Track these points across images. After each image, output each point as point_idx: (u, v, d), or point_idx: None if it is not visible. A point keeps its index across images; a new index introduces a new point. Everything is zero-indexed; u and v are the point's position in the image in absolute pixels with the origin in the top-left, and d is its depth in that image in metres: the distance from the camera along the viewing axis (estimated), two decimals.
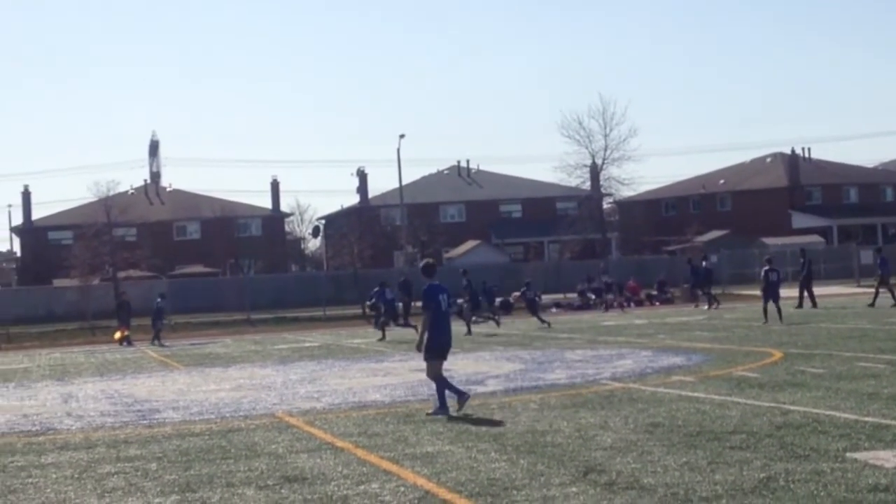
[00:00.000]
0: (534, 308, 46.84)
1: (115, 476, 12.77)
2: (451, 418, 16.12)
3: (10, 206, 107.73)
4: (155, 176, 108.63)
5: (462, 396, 16.74)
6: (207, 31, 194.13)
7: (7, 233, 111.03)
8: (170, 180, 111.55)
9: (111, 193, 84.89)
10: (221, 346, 41.58)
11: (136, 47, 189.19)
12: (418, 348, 17.48)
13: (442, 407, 16.64)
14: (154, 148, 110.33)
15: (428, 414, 16.71)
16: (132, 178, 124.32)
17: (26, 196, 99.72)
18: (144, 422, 18.20)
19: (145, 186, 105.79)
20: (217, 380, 26.48)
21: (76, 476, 12.98)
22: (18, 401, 24.10)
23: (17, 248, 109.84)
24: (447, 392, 16.86)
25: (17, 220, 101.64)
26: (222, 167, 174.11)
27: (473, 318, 42.80)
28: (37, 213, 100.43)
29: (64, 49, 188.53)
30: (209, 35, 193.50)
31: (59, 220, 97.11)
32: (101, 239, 78.29)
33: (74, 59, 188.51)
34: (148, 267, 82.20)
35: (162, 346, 44.51)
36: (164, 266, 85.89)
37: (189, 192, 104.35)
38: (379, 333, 40.55)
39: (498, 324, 43.60)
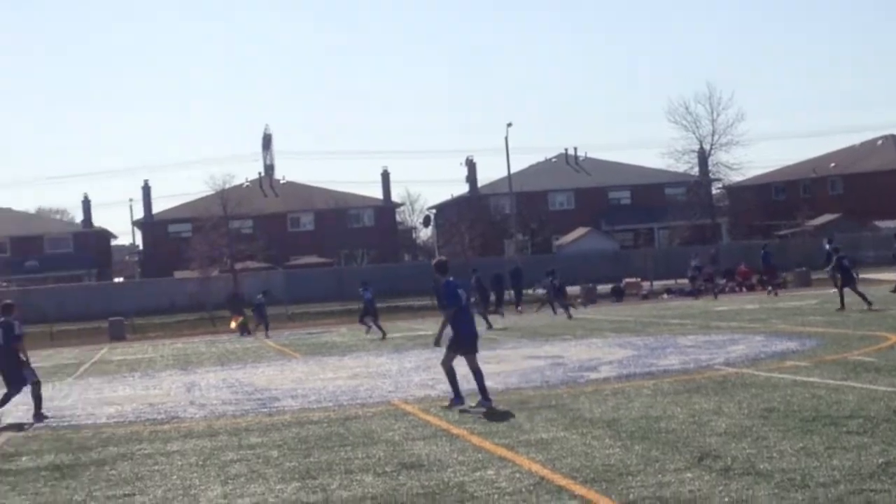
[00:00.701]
0: (558, 296, 45.84)
1: (238, 463, 12.94)
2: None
3: (131, 200, 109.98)
4: (268, 169, 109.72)
5: (456, 400, 16.66)
6: (317, 25, 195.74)
7: (129, 226, 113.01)
8: (283, 173, 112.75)
9: (227, 186, 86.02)
10: (337, 336, 41.92)
11: (248, 44, 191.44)
12: (436, 343, 17.51)
13: (457, 398, 16.68)
14: (267, 141, 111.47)
15: (444, 407, 16.72)
16: (247, 171, 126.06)
17: (146, 190, 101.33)
18: (264, 410, 18.43)
19: (259, 179, 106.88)
20: (334, 368, 26.71)
21: (200, 463, 13.18)
22: (144, 390, 24.56)
23: (139, 242, 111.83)
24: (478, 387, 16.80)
25: (139, 213, 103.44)
26: (334, 159, 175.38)
27: (493, 309, 43.87)
28: (157, 207, 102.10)
29: (180, 46, 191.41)
30: (318, 29, 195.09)
31: (178, 214, 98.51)
32: (219, 231, 79.38)
33: (191, 55, 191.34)
34: (264, 258, 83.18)
35: (267, 337, 44.92)
36: (279, 257, 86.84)
37: (302, 184, 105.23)
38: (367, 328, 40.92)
39: (502, 315, 44.60)
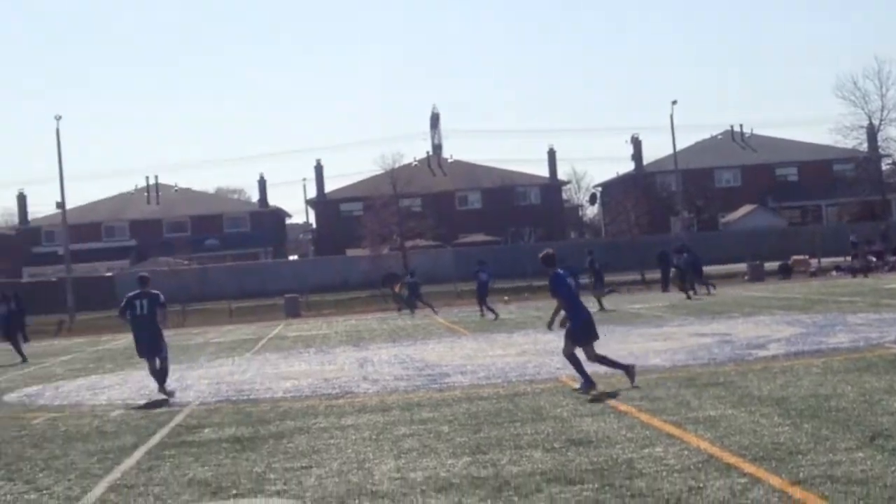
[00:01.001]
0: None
1: (410, 438, 13.09)
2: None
3: (304, 179, 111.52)
4: (436, 148, 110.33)
5: (586, 384, 16.51)
6: (485, 3, 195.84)
7: (303, 205, 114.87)
8: (450, 152, 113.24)
9: (396, 166, 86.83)
10: (506, 313, 42.02)
11: (417, 23, 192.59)
12: (549, 327, 17.86)
13: (586, 381, 16.53)
14: (435, 120, 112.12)
15: (575, 390, 16.58)
16: (415, 150, 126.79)
17: (319, 170, 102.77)
18: (435, 386, 18.60)
19: (428, 158, 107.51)
20: (503, 345, 26.81)
21: (374, 437, 13.37)
22: (319, 365, 24.99)
23: (312, 220, 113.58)
24: (613, 368, 16.95)
25: (312, 193, 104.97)
26: (500, 138, 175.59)
27: (607, 290, 43.52)
28: (329, 186, 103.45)
29: (351, 28, 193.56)
30: (486, 6, 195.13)
31: (350, 193, 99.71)
32: (389, 210, 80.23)
33: (362, 36, 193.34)
34: (433, 236, 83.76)
35: (435, 313, 45.14)
36: (447, 235, 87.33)
37: (469, 163, 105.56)
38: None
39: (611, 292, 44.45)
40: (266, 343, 35.34)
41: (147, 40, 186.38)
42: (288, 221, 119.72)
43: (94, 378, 26.21)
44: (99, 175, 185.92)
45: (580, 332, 16.75)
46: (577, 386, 16.64)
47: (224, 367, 26.64)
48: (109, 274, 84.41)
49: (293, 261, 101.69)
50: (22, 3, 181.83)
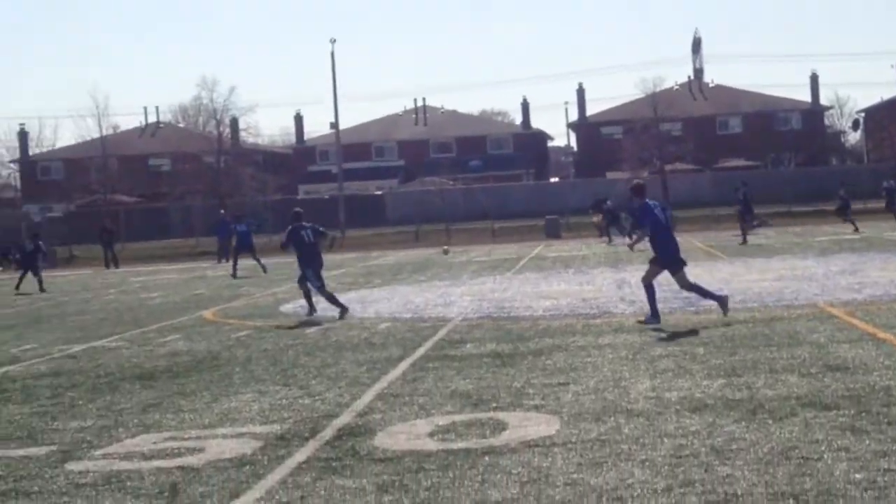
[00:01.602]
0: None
1: (665, 359, 13.02)
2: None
3: (566, 103, 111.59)
4: (698, 72, 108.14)
5: (651, 319, 16.46)
6: None
7: (565, 129, 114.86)
8: (712, 76, 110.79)
9: (657, 90, 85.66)
10: (763, 238, 41.11)
11: None
12: (630, 248, 19.73)
13: (654, 315, 16.41)
14: (697, 45, 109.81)
15: (639, 322, 16.39)
16: (676, 74, 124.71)
17: (580, 93, 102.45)
18: (691, 309, 18.38)
19: (689, 82, 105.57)
20: (760, 270, 26.30)
21: (630, 357, 13.37)
22: (577, 285, 25.07)
23: (573, 143, 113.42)
24: (706, 296, 17.12)
25: (573, 116, 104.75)
26: (762, 62, 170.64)
27: (756, 223, 42.41)
28: (590, 110, 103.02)
29: None
30: None
31: (611, 116, 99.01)
32: (649, 133, 79.37)
33: None
34: (692, 160, 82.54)
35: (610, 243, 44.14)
36: (706, 159, 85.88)
37: (730, 88, 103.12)
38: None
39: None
40: (526, 263, 35.63)
41: None
42: (550, 144, 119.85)
43: (363, 292, 27.00)
44: (370, 96, 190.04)
45: (667, 258, 16.86)
46: (643, 319, 16.59)
47: (486, 285, 27.02)
48: (379, 192, 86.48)
49: (554, 182, 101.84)
50: None
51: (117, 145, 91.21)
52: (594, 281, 26.06)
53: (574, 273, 29.32)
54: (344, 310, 20.29)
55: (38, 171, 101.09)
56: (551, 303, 21.04)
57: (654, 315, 16.57)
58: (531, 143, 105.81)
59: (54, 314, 26.10)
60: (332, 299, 20.68)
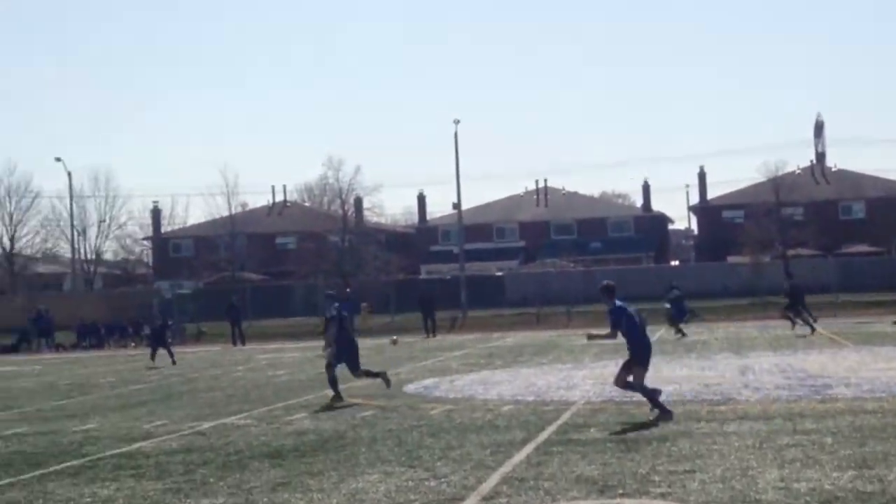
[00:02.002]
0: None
1: (793, 448, 12.78)
2: None
3: (687, 186, 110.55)
4: (820, 156, 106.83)
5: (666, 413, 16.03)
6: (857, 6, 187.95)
7: (685, 212, 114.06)
8: (834, 160, 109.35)
9: (779, 174, 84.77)
10: (890, 326, 40.23)
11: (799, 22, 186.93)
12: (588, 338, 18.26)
13: (663, 412, 15.98)
14: (819, 128, 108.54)
15: (651, 420, 15.83)
16: (798, 158, 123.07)
17: (702, 176, 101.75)
18: (817, 397, 18.06)
19: (811, 166, 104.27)
20: (886, 358, 25.72)
21: (756, 445, 13.14)
22: (700, 371, 24.77)
23: (694, 226, 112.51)
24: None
25: (694, 199, 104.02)
26: (886, 146, 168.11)
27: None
28: (711, 193, 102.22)
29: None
30: (863, 7, 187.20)
31: (732, 200, 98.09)
32: (771, 218, 78.46)
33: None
34: (815, 245, 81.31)
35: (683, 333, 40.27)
36: (829, 245, 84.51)
37: (853, 172, 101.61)
38: None
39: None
40: None
41: (546, 50, 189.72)
42: (670, 227, 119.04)
43: (485, 373, 26.99)
44: (491, 176, 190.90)
45: (643, 358, 16.47)
46: (652, 417, 16.04)
47: (608, 368, 26.76)
48: (500, 273, 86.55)
49: (675, 266, 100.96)
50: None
51: (246, 223, 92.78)
52: (716, 366, 25.72)
53: (696, 358, 28.96)
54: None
55: (169, 248, 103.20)
56: (674, 388, 20.75)
57: (665, 412, 16.08)
58: (652, 225, 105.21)
59: (185, 390, 26.55)
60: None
